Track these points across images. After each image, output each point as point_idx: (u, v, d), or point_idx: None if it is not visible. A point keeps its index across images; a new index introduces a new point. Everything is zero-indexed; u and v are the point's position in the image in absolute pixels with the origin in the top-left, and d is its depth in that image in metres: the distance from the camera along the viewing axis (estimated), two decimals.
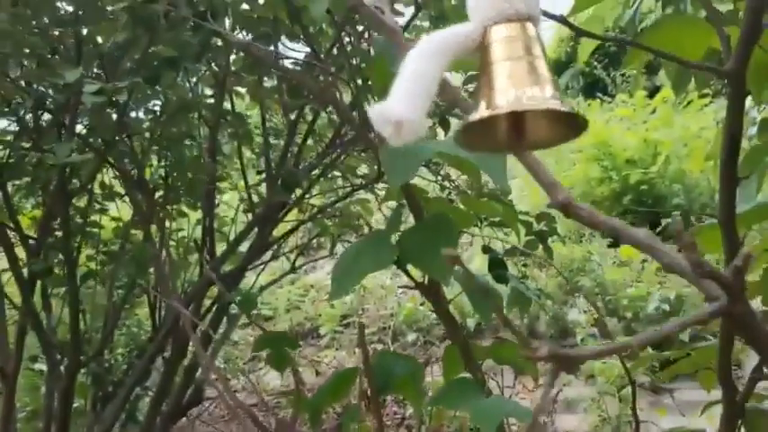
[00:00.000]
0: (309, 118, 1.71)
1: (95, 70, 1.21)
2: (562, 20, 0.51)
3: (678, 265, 0.32)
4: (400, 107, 0.19)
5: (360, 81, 1.33)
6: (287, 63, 1.30)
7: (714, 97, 4.82)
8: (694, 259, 0.28)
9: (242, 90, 1.76)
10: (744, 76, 0.56)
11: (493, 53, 0.21)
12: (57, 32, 1.22)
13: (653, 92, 5.13)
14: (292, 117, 1.59)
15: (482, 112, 0.21)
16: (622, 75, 6.88)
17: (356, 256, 1.02)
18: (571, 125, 0.23)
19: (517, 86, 0.21)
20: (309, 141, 1.73)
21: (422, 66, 0.20)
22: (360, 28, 1.55)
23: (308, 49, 1.26)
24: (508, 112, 0.21)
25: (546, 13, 0.62)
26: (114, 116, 1.27)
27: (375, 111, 0.20)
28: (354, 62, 1.36)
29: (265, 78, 1.50)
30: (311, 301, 4.20)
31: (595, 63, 7.10)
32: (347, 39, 1.42)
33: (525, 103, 0.21)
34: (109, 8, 1.17)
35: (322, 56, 1.21)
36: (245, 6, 1.28)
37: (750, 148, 0.87)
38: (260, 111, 1.69)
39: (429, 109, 0.20)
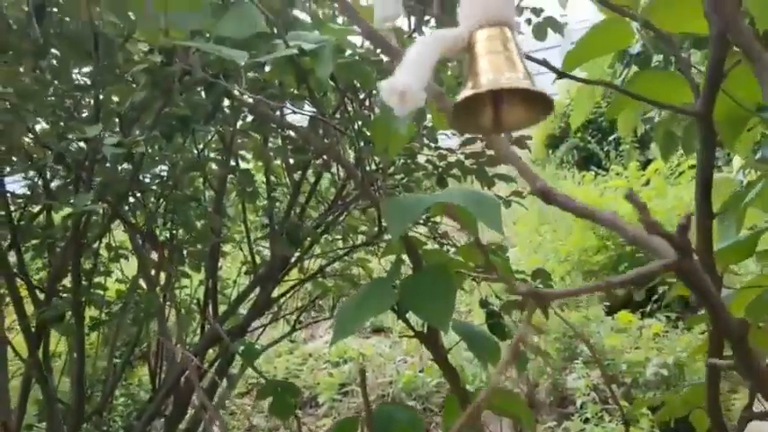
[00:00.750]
0: (312, 180, 1.78)
1: (113, 130, 1.28)
2: (544, 63, 0.58)
3: (640, 237, 0.37)
4: (404, 80, 0.25)
5: (362, 142, 1.40)
6: (292, 122, 1.37)
7: None
8: (649, 220, 0.32)
9: (247, 154, 1.84)
10: (710, 116, 0.62)
11: (477, 50, 0.27)
12: (77, 95, 1.30)
13: (645, 165, 5.26)
14: (296, 178, 1.66)
15: (468, 91, 0.27)
16: (616, 149, 7.05)
17: (358, 301, 1.06)
18: (541, 107, 0.28)
19: (496, 72, 0.26)
20: (312, 202, 1.79)
21: (422, 50, 0.26)
22: (361, 95, 1.65)
23: (312, 112, 1.33)
24: (489, 90, 0.26)
25: (546, 64, 0.69)
26: (127, 170, 1.33)
27: (384, 84, 0.25)
28: (357, 125, 1.44)
29: (270, 139, 1.57)
30: (310, 370, 4.18)
31: (589, 138, 7.30)
32: (350, 104, 1.51)
33: (503, 82, 0.26)
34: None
35: (326, 117, 1.29)
36: (252, 74, 1.37)
37: (731, 195, 0.93)
38: (264, 172, 1.76)
39: (427, 82, 0.26)
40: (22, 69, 1.33)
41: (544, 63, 0.61)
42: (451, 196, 1.14)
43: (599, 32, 0.79)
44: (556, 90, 7.01)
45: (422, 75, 0.25)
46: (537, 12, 1.71)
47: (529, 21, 1.72)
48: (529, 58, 0.68)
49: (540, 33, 1.71)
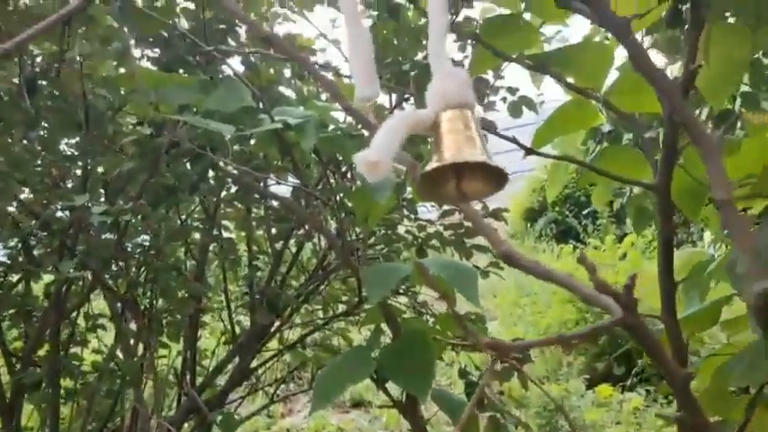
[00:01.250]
0: (294, 249, 1.81)
1: (100, 199, 1.31)
2: (513, 140, 0.62)
3: (592, 295, 0.40)
4: (375, 151, 0.29)
5: (343, 213, 1.44)
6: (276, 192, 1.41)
7: (677, 246, 5.06)
8: (598, 281, 0.36)
9: (230, 224, 1.87)
10: (667, 189, 0.67)
11: (442, 129, 0.31)
12: (65, 164, 1.33)
13: (622, 238, 5.35)
14: (278, 247, 1.68)
15: (433, 164, 0.31)
16: (593, 223, 7.18)
17: (338, 369, 1.08)
18: (497, 180, 0.32)
19: (458, 148, 0.30)
20: (293, 271, 1.81)
21: (392, 126, 0.30)
22: (343, 168, 1.70)
23: (295, 183, 1.38)
24: (451, 163, 0.30)
25: (515, 141, 0.74)
26: (111, 239, 1.36)
27: (358, 155, 0.29)
28: (338, 197, 1.49)
29: (254, 209, 1.61)
30: None
31: (567, 212, 7.44)
32: (332, 176, 1.56)
33: (463, 157, 0.30)
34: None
35: (309, 188, 1.33)
36: (237, 147, 1.42)
37: (694, 265, 0.97)
38: (246, 242, 1.79)
39: (396, 155, 0.29)
40: (10, 140, 1.37)
41: (513, 140, 0.66)
42: (431, 265, 1.17)
43: (566, 112, 0.85)
44: (533, 165, 7.18)
45: (391, 147, 0.28)
46: (512, 91, 1.79)
47: (504, 99, 1.80)
48: (499, 135, 0.74)
49: (515, 111, 1.79)
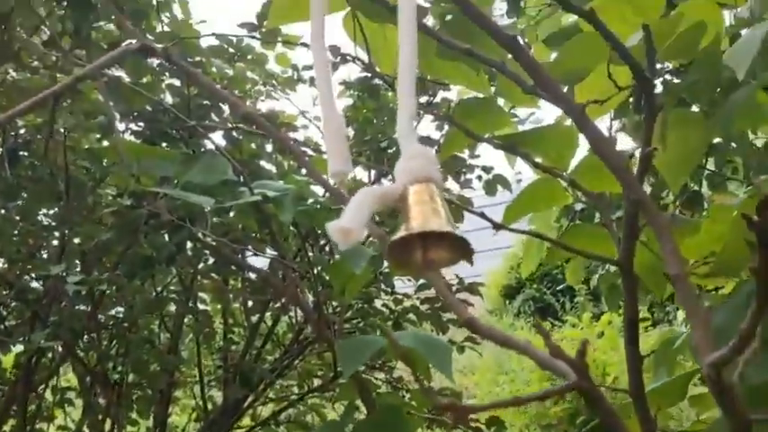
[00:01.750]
0: (270, 323, 1.80)
1: (76, 269, 1.31)
2: (482, 215, 0.65)
3: (548, 361, 0.42)
4: (347, 220, 0.31)
5: (320, 286, 1.46)
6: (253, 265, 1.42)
7: (654, 325, 5.11)
8: (553, 346, 0.37)
9: (206, 297, 1.86)
10: (630, 266, 0.69)
11: (409, 201, 0.33)
12: (44, 234, 1.34)
13: (599, 316, 5.38)
14: (254, 320, 1.68)
15: (401, 233, 0.33)
16: (571, 301, 7.21)
17: None
18: (462, 251, 0.34)
19: (425, 218, 0.33)
20: (268, 345, 1.80)
21: (362, 198, 0.32)
22: (322, 241, 1.72)
23: (273, 255, 1.39)
24: (417, 232, 0.32)
25: (484, 216, 0.77)
26: (84, 311, 1.35)
27: (331, 225, 0.31)
28: (316, 270, 1.50)
29: (231, 281, 1.61)
30: None
31: (545, 289, 7.47)
32: (310, 249, 1.58)
33: (430, 226, 0.32)
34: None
35: (287, 260, 1.35)
36: (216, 219, 1.44)
37: (662, 341, 0.99)
38: (222, 314, 1.78)
39: (367, 224, 0.31)
40: None
41: (482, 216, 0.68)
42: (404, 339, 1.18)
43: (534, 190, 0.88)
44: (510, 242, 7.26)
45: (362, 217, 0.30)
46: (487, 170, 1.85)
47: (480, 177, 1.85)
48: (469, 210, 0.76)
49: (490, 189, 1.84)
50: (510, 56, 0.71)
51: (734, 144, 1.77)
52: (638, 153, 1.07)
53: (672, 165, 0.73)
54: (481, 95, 0.87)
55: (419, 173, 0.34)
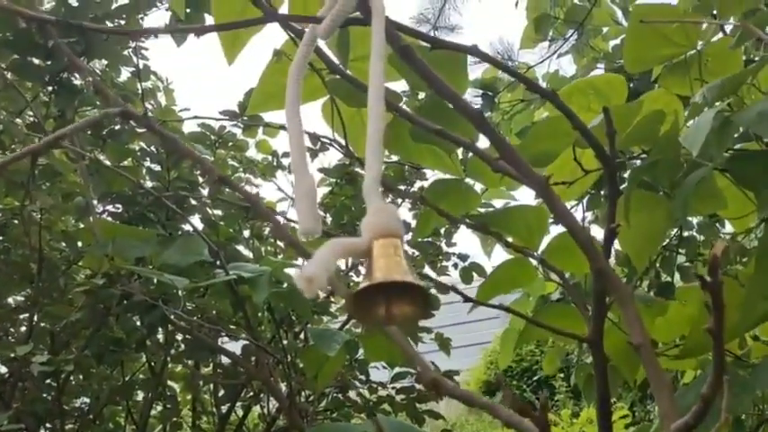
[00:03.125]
0: (241, 414, 1.75)
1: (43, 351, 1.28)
2: (454, 289, 0.66)
3: (514, 418, 0.41)
4: (311, 269, 0.32)
5: (293, 373, 1.43)
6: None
7: (634, 425, 5.02)
8: (519, 405, 0.37)
9: (175, 386, 1.81)
10: (599, 343, 0.70)
11: (374, 254, 0.34)
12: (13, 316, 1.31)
13: (578, 415, 5.28)
14: (224, 410, 1.63)
15: (364, 284, 0.33)
16: (551, 398, 7.08)
17: None
18: (424, 306, 0.35)
19: (388, 269, 0.34)
20: None
21: (327, 250, 0.33)
22: (296, 328, 1.70)
23: (248, 340, 1.37)
24: (380, 283, 0.33)
25: (456, 290, 0.77)
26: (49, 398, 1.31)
27: (295, 273, 0.32)
28: (290, 356, 1.48)
29: (202, 367, 1.58)
30: None
31: (524, 386, 7.35)
32: (285, 336, 1.56)
33: (394, 277, 0.33)
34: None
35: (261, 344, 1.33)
36: (189, 305, 1.43)
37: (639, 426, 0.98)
38: (192, 404, 1.72)
39: (332, 272, 0.32)
40: None
41: (455, 290, 0.69)
42: (385, 425, 1.15)
43: (506, 270, 0.90)
44: (489, 338, 7.20)
45: (326, 266, 0.31)
46: (463, 257, 1.87)
47: (455, 265, 1.87)
48: (445, 286, 0.77)
49: (466, 277, 1.85)
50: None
51: (703, 236, 1.82)
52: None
53: (636, 243, 0.75)
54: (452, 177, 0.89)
55: (383, 228, 0.35)
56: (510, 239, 0.85)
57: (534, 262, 0.87)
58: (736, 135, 0.78)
